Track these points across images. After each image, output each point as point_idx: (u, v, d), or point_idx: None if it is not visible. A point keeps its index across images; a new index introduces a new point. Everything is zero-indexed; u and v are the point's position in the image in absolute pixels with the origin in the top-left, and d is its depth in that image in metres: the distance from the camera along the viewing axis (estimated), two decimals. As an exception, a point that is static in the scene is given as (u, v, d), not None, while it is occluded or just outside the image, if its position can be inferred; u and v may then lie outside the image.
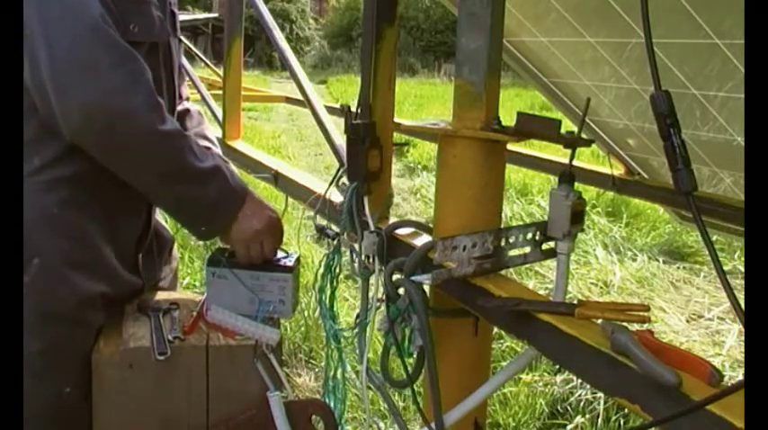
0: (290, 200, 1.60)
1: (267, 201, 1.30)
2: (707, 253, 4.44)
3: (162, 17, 1.24)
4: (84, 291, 1.16)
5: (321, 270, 1.27)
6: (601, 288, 3.94)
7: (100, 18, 1.06)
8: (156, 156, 1.13)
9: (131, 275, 1.27)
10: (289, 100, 4.98)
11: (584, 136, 0.98)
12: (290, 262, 1.27)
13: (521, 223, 2.25)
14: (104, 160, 1.12)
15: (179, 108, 1.48)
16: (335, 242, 1.24)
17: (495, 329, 1.19)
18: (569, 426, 2.52)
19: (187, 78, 1.62)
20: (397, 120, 1.27)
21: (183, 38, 1.53)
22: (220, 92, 2.51)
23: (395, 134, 1.27)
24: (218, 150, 1.51)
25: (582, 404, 2.60)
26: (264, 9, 2.06)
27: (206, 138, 1.50)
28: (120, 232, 1.20)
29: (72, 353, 1.16)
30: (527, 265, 3.79)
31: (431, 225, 1.12)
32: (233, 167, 1.30)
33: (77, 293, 1.15)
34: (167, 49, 1.29)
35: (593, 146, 1.08)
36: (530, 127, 0.95)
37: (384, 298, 1.04)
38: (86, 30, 1.05)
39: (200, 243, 4.48)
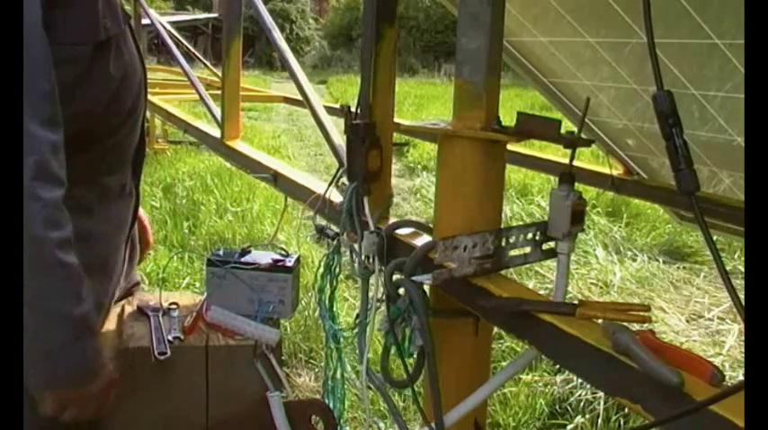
0: (290, 200, 1.60)
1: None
2: (707, 253, 4.44)
3: (106, 12, 1.13)
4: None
5: (321, 270, 1.26)
6: (601, 288, 3.94)
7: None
8: None
9: (121, 276, 1.27)
10: (287, 100, 4.98)
11: (583, 136, 0.98)
12: (289, 262, 1.27)
13: (521, 223, 2.25)
14: None
15: None
16: (335, 242, 1.24)
17: (495, 329, 1.18)
18: (569, 426, 2.52)
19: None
20: (397, 120, 1.27)
21: (180, 37, 1.47)
22: (219, 92, 2.51)
23: (395, 134, 1.27)
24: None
25: (582, 404, 2.60)
26: (264, 9, 2.06)
27: None
28: (111, 233, 1.19)
29: None
30: (527, 265, 3.79)
31: (431, 225, 1.12)
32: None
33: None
34: (122, 40, 1.18)
35: (593, 146, 1.08)
36: (530, 127, 0.95)
37: (384, 298, 1.04)
38: None
39: (201, 243, 4.47)
